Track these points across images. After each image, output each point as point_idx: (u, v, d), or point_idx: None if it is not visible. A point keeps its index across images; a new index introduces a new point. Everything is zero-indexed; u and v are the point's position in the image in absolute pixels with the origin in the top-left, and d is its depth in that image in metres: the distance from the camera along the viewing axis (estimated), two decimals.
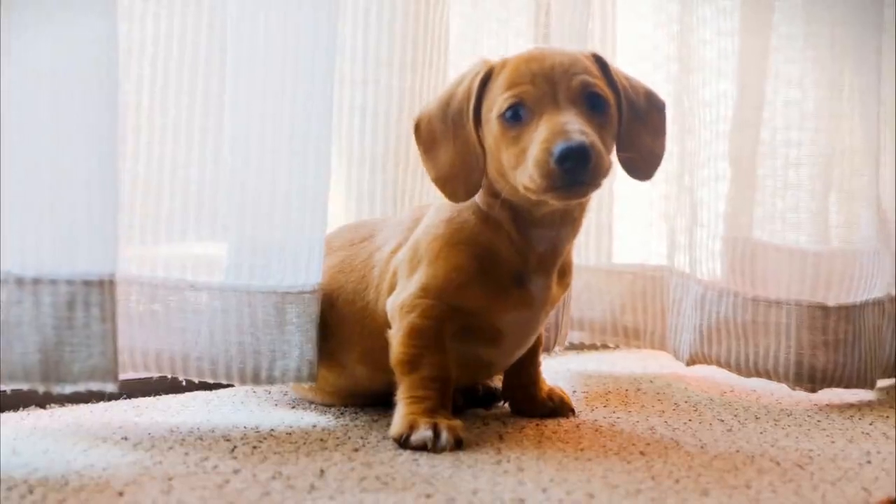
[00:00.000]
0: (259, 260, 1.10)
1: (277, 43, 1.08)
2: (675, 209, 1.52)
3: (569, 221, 1.08)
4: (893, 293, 1.45)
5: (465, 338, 1.09)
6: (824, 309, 1.37)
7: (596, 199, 1.57)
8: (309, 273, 1.12)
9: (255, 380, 1.11)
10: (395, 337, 1.07)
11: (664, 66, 1.54)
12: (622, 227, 1.63)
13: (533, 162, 0.97)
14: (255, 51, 1.08)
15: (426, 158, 1.08)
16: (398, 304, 1.08)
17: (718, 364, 1.43)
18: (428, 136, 1.08)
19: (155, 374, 1.12)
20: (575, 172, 0.96)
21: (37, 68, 0.94)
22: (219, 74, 1.11)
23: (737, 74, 1.45)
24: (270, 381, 1.11)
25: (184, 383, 1.19)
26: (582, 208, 1.09)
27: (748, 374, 1.41)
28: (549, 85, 1.01)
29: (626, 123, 1.07)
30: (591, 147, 0.96)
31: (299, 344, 1.11)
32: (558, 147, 0.95)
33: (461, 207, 1.09)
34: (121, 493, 0.83)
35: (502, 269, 1.07)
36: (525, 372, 1.20)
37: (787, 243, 1.43)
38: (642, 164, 1.09)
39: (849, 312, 1.37)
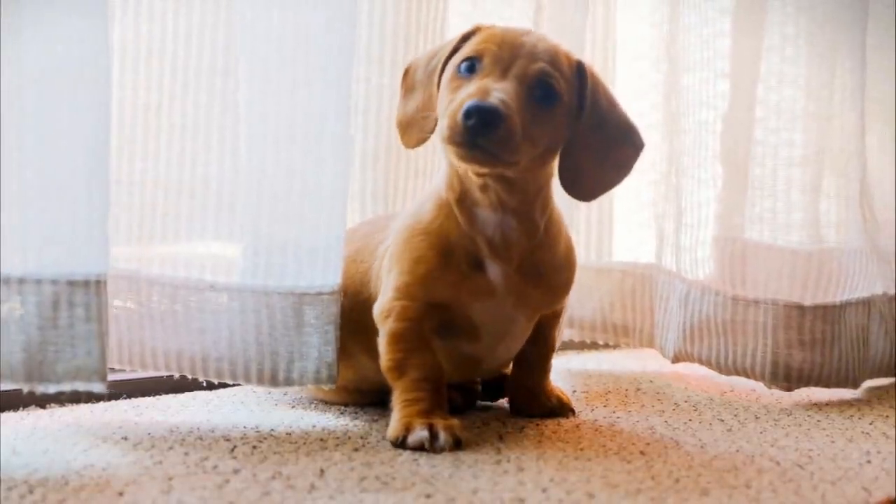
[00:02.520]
0: (276, 259, 1.10)
1: (292, 40, 1.08)
2: (663, 208, 1.52)
3: (509, 210, 1.06)
4: (892, 293, 1.45)
5: (445, 334, 1.09)
6: (801, 308, 1.37)
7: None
8: (327, 274, 1.10)
9: (274, 381, 1.10)
10: (381, 344, 1.08)
11: (659, 66, 1.54)
12: (618, 226, 1.62)
13: (448, 111, 0.99)
14: (270, 48, 1.08)
15: (401, 103, 1.12)
16: (380, 309, 1.08)
17: (700, 362, 1.43)
18: (410, 81, 1.12)
19: (176, 374, 1.11)
20: (475, 132, 0.96)
21: (24, 67, 0.93)
22: (236, 72, 1.11)
23: (731, 74, 1.45)
24: (289, 382, 1.11)
25: (203, 382, 1.17)
26: (521, 199, 1.06)
27: (728, 373, 1.41)
28: (510, 56, 1.01)
29: (580, 137, 1.06)
30: (504, 116, 0.96)
31: (317, 346, 1.10)
32: (469, 102, 0.96)
33: (426, 198, 1.10)
34: (121, 493, 0.83)
35: (458, 254, 1.07)
36: (534, 373, 1.20)
37: (765, 241, 1.43)
38: (579, 185, 1.08)
39: (826, 312, 1.37)
